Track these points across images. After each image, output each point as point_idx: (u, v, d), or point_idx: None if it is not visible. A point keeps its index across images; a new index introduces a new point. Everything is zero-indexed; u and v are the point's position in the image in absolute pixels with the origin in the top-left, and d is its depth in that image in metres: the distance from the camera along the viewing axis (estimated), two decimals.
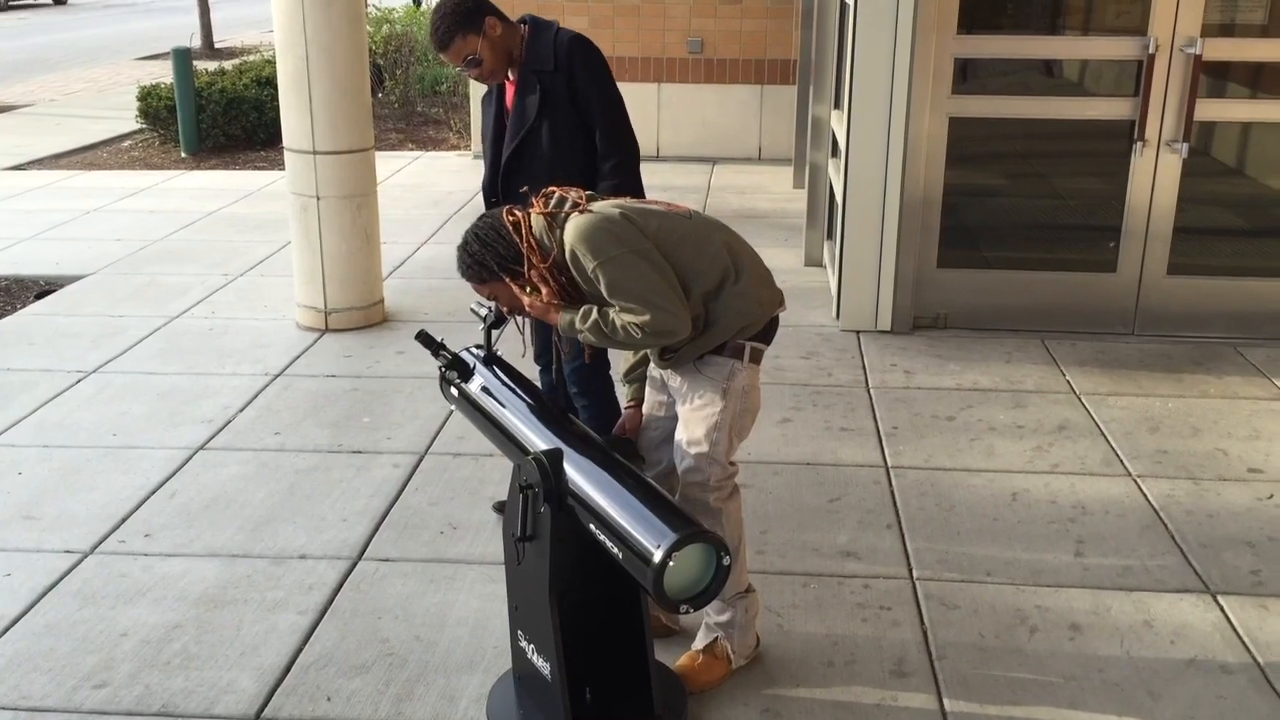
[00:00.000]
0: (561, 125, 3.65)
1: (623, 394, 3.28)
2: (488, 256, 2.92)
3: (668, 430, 3.11)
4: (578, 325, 2.89)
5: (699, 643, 3.16)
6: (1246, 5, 5.50)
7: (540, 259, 2.88)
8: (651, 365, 3.14)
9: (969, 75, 5.70)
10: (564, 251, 2.85)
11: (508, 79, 3.75)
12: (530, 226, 2.90)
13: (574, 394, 3.82)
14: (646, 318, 2.78)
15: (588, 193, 2.98)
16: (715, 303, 2.91)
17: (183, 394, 5.07)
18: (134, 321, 6.01)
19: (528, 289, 2.93)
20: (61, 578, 3.64)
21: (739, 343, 2.95)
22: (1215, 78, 5.55)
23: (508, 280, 2.94)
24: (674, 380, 3.05)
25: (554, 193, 2.96)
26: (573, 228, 2.83)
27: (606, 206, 2.90)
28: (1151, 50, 5.41)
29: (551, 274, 2.89)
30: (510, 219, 2.92)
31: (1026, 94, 5.73)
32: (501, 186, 3.77)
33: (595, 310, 2.86)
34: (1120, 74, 5.62)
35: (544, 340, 3.87)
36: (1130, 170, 5.61)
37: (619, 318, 2.81)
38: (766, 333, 3.01)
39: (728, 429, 2.97)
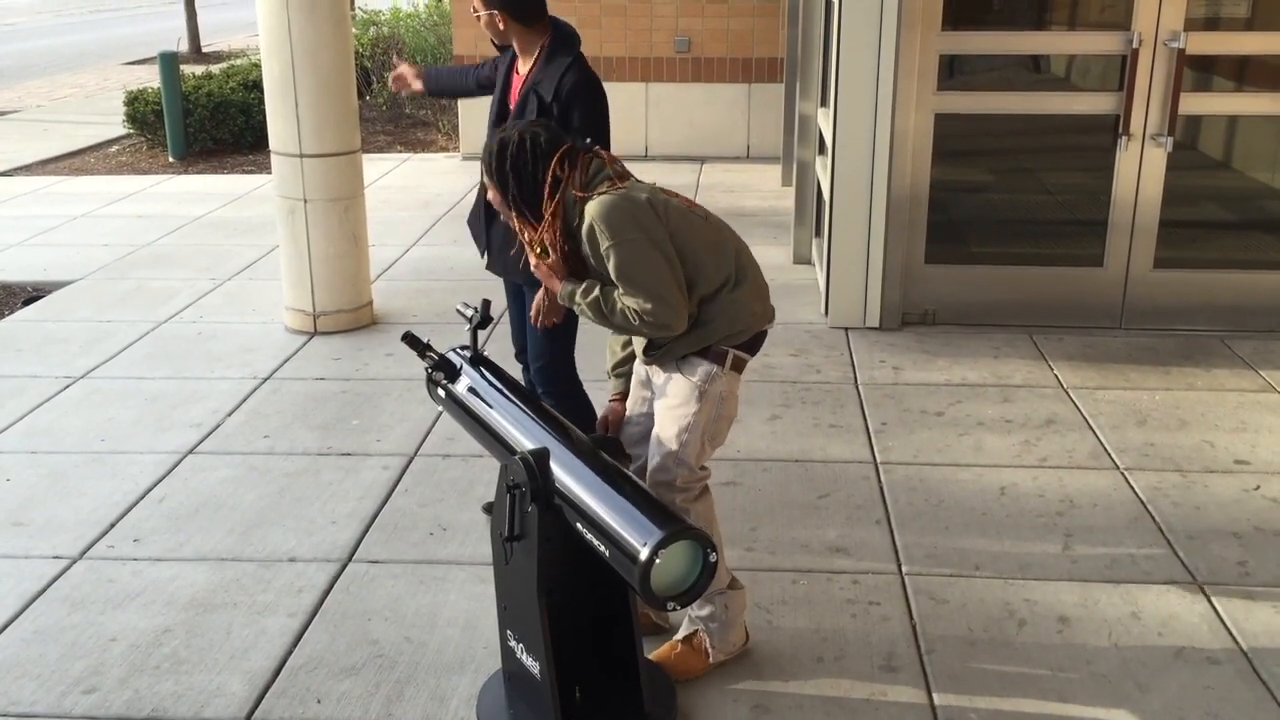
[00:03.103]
0: None
1: (608, 387, 3.29)
2: (510, 181, 2.91)
3: (649, 427, 3.12)
4: (578, 298, 2.90)
5: (680, 633, 3.18)
6: None
7: (556, 225, 2.87)
8: (637, 361, 3.15)
9: (954, 71, 5.71)
10: (582, 223, 2.86)
11: (516, 63, 3.78)
12: (564, 189, 2.88)
13: (540, 394, 3.83)
14: (648, 306, 2.80)
15: (625, 168, 2.97)
16: (710, 305, 2.92)
17: (171, 398, 5.06)
18: (122, 327, 6.00)
19: (538, 249, 2.94)
20: (50, 583, 3.63)
21: (722, 349, 2.95)
22: (1199, 71, 5.57)
23: (511, 211, 2.94)
24: (657, 377, 3.05)
25: (595, 159, 2.93)
26: (598, 203, 2.83)
27: (636, 188, 2.90)
28: (1135, 45, 5.42)
29: (562, 238, 2.88)
30: (556, 171, 2.88)
31: (1012, 90, 5.74)
32: (485, 203, 3.77)
33: (599, 287, 2.88)
34: (1105, 69, 5.64)
35: (524, 335, 3.88)
36: (1115, 164, 5.63)
37: (620, 300, 2.83)
38: (752, 344, 3.02)
39: (699, 432, 2.98)
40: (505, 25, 3.63)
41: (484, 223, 3.86)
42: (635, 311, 2.82)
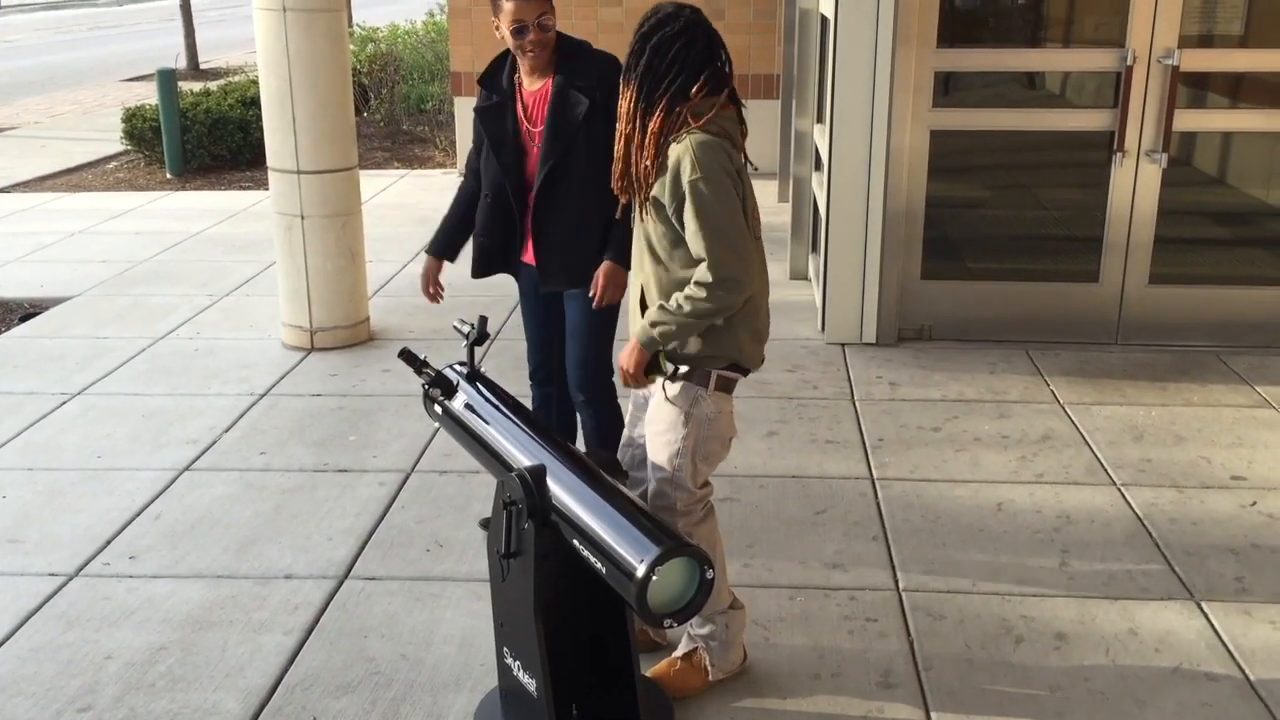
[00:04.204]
0: (601, 144, 3.50)
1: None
2: (643, 58, 2.77)
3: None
4: (648, 327, 2.83)
5: (679, 650, 3.17)
6: (1223, 16, 5.55)
7: (657, 137, 2.78)
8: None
9: (950, 88, 5.73)
10: (670, 148, 2.77)
11: (520, 86, 3.69)
12: (685, 109, 2.78)
13: (579, 402, 3.82)
14: (719, 255, 2.73)
15: (742, 139, 2.90)
16: None
17: (168, 415, 5.06)
18: (119, 343, 5.99)
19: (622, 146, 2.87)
20: (46, 601, 3.62)
21: (706, 370, 2.92)
22: (1193, 88, 5.59)
23: (624, 85, 2.82)
24: (651, 395, 3.04)
25: (733, 108, 2.85)
26: (699, 137, 2.75)
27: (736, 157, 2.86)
28: (1130, 62, 5.45)
29: (654, 154, 2.80)
30: (698, 91, 2.77)
31: (1007, 106, 5.76)
32: (536, 203, 3.66)
33: (659, 305, 2.84)
34: (1099, 85, 5.67)
35: (542, 354, 3.88)
36: (1111, 181, 5.64)
37: (686, 288, 2.78)
38: (735, 366, 2.97)
39: (690, 455, 2.95)
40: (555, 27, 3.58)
41: (518, 238, 3.76)
42: (708, 267, 2.73)
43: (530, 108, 3.68)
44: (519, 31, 3.51)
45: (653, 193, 2.83)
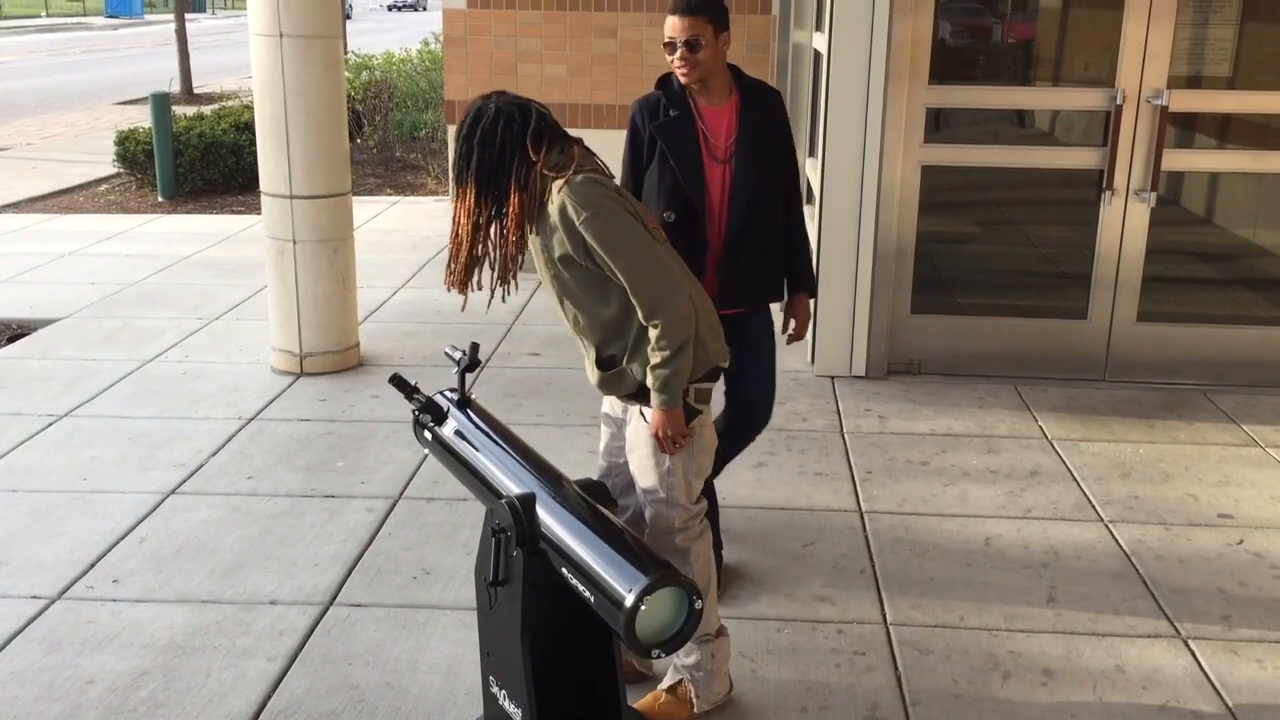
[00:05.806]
0: (783, 166, 3.69)
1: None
2: (475, 154, 2.78)
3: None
4: (659, 394, 2.82)
5: (664, 683, 3.15)
6: (1212, 58, 5.61)
7: (523, 210, 2.79)
8: (605, 403, 3.12)
9: (941, 124, 5.78)
10: (549, 201, 2.77)
11: (696, 104, 3.59)
12: (536, 173, 2.79)
13: (754, 436, 3.99)
14: (641, 277, 2.74)
15: (602, 164, 2.92)
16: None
17: (155, 438, 5.03)
18: (107, 365, 5.97)
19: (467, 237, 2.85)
20: (27, 624, 3.59)
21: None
22: (1181, 128, 5.65)
23: (461, 187, 2.83)
24: (623, 415, 3.03)
25: (571, 146, 2.86)
26: (570, 182, 2.76)
27: (609, 182, 2.86)
28: (1119, 101, 5.50)
29: (522, 225, 2.81)
30: (532, 155, 2.78)
31: (997, 143, 5.81)
32: (732, 226, 3.58)
33: (649, 371, 2.82)
34: (1089, 124, 5.72)
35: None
36: (1099, 219, 5.69)
37: (650, 339, 2.79)
38: (710, 374, 2.95)
39: (681, 472, 2.96)
40: (725, 49, 3.54)
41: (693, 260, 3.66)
42: (640, 306, 2.75)
43: (712, 128, 3.59)
44: (668, 47, 3.50)
45: (557, 254, 2.82)
